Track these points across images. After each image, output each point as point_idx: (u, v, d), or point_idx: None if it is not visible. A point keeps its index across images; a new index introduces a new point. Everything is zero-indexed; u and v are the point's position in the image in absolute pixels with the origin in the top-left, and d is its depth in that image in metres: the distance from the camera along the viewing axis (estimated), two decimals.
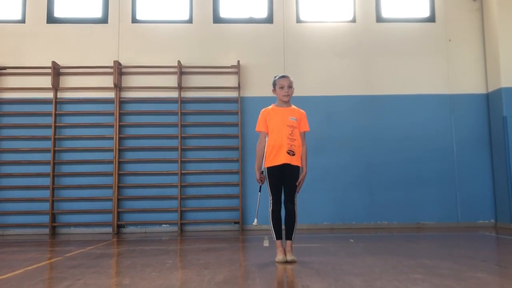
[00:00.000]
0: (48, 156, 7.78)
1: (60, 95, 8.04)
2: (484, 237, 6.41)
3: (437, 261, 3.99)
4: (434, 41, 8.41)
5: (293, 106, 4.24)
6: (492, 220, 7.99)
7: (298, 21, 8.39)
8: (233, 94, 8.16)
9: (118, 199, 7.77)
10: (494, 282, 3.19)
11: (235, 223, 7.85)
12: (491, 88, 8.13)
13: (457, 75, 8.33)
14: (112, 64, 7.92)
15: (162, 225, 7.88)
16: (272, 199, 4.07)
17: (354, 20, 8.43)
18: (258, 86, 7.99)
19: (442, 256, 4.39)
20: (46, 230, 7.62)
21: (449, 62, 8.36)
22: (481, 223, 7.94)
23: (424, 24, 8.47)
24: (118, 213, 7.75)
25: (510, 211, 7.52)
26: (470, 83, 8.31)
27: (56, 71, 7.98)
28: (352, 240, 5.95)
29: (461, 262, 4.02)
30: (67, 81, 8.11)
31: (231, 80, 8.20)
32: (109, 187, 7.78)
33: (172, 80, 8.11)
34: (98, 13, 8.30)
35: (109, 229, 7.72)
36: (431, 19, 8.48)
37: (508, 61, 7.82)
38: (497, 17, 7.94)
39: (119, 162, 7.85)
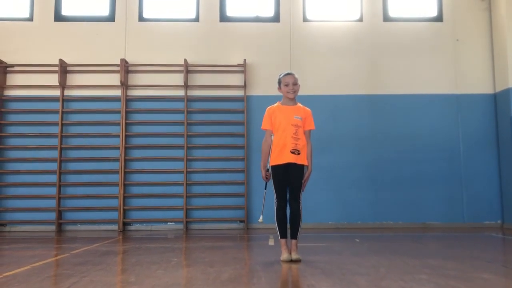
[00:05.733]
0: (55, 154, 7.82)
1: (67, 92, 8.09)
2: (491, 238, 6.37)
3: (442, 262, 3.98)
4: (442, 41, 8.37)
5: (299, 104, 4.22)
6: (499, 221, 7.94)
7: (305, 20, 8.38)
8: (239, 92, 8.17)
9: (124, 197, 7.80)
10: (500, 283, 3.17)
11: (240, 221, 7.86)
12: (499, 88, 8.08)
13: (465, 75, 8.29)
14: (118, 62, 7.95)
15: (168, 223, 7.91)
16: (277, 198, 4.07)
17: (361, 19, 8.41)
18: (264, 85, 7.99)
19: (448, 257, 4.37)
20: (53, 227, 7.67)
21: (457, 61, 8.32)
22: (487, 224, 7.90)
23: (432, 23, 8.43)
24: (124, 210, 7.78)
25: None
26: (478, 83, 8.27)
27: (63, 69, 8.02)
28: (357, 240, 5.94)
29: (467, 263, 4.00)
30: (74, 79, 8.15)
31: (237, 79, 8.20)
32: (115, 184, 7.81)
33: (178, 79, 8.12)
34: (105, 11, 8.33)
35: (115, 227, 7.75)
36: (439, 18, 8.44)
37: None
38: (505, 16, 7.89)
39: (125, 160, 7.89)
